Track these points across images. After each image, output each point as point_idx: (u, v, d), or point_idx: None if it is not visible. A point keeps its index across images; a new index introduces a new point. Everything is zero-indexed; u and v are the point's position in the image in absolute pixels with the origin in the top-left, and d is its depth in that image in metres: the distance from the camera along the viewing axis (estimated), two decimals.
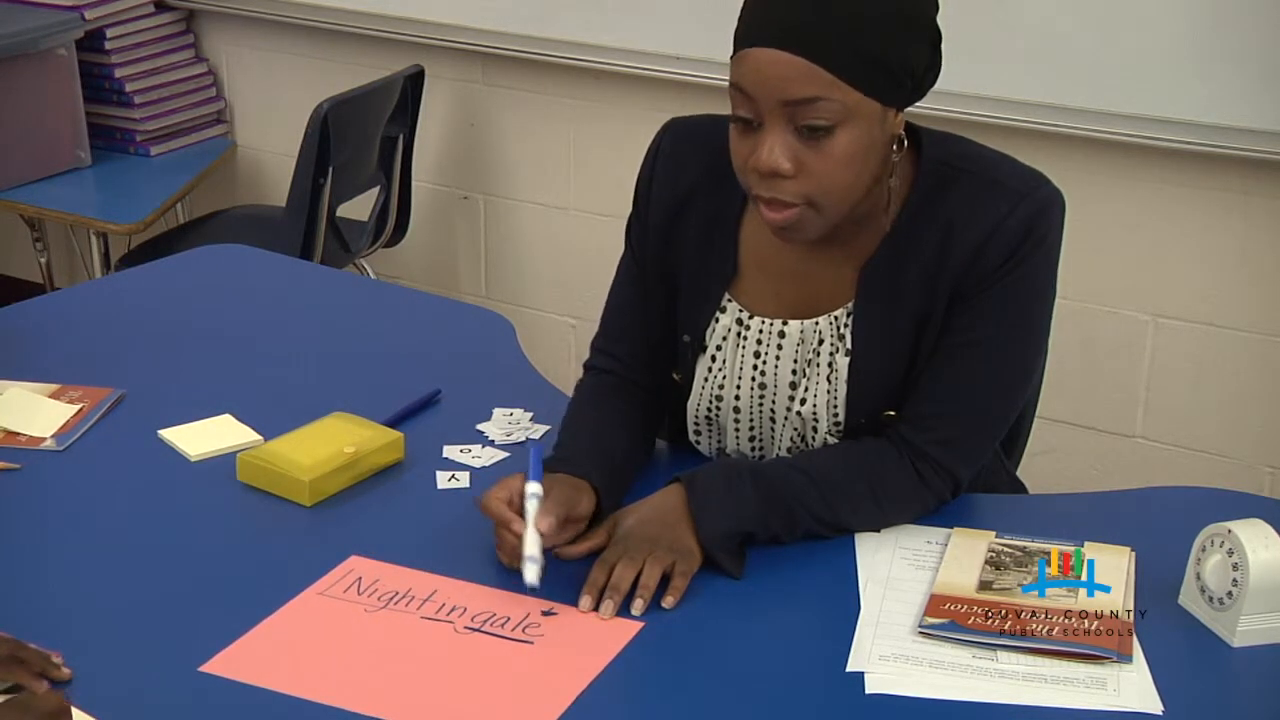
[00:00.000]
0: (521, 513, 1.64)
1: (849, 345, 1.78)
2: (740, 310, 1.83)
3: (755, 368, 1.83)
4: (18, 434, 1.93)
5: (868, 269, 1.76)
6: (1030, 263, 1.72)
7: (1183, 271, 3.06)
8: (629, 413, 1.88)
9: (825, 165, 1.62)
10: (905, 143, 1.69)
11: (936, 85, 1.71)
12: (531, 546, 1.61)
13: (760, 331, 1.82)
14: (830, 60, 1.58)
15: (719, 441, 1.90)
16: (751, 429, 1.86)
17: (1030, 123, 3.00)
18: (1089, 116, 2.97)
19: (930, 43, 1.65)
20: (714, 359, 1.85)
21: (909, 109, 1.72)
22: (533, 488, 1.65)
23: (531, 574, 1.60)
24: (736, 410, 1.85)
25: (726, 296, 1.83)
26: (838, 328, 1.78)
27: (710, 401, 1.86)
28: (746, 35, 1.62)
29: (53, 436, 1.92)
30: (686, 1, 3.24)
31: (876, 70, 1.60)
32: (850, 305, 1.78)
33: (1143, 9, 2.88)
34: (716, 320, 1.84)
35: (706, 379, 1.86)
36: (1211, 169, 2.95)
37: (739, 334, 1.83)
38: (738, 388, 1.84)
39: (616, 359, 1.93)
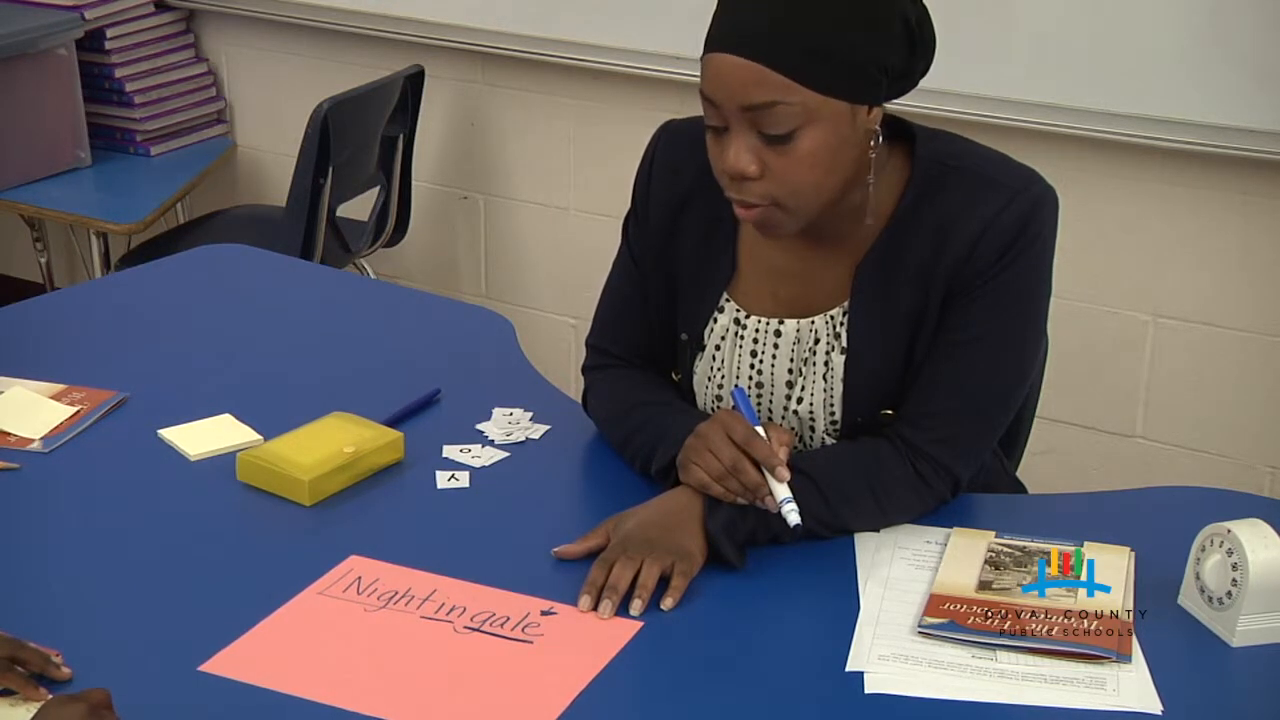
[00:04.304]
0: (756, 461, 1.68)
1: (845, 344, 1.78)
2: (738, 310, 1.83)
3: (752, 366, 1.83)
4: (9, 434, 1.93)
5: (862, 268, 1.76)
6: (1025, 259, 1.73)
7: (1183, 271, 3.07)
8: (667, 384, 1.90)
9: (790, 167, 1.63)
10: (880, 138, 1.68)
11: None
12: (783, 495, 1.66)
13: (757, 331, 1.82)
14: (784, 64, 1.58)
15: None
16: None
17: (1030, 123, 3.00)
18: (1089, 116, 2.97)
19: (904, 36, 1.64)
20: (714, 358, 1.85)
21: (906, 107, 1.72)
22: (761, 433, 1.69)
23: (795, 515, 1.65)
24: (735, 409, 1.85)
25: (724, 296, 1.84)
26: (833, 327, 1.79)
27: (712, 402, 1.87)
28: (709, 42, 1.64)
29: (40, 439, 1.92)
30: (686, 1, 3.24)
31: (835, 69, 1.60)
32: (846, 304, 1.78)
33: (1142, 9, 2.88)
34: (715, 320, 1.84)
35: (709, 378, 1.86)
36: (1211, 169, 2.95)
37: (736, 333, 1.83)
38: (736, 385, 1.84)
39: (618, 356, 1.93)
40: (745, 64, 1.59)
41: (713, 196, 1.80)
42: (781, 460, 1.67)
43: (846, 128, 1.64)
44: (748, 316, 1.83)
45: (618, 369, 1.94)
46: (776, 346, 1.82)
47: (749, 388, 1.83)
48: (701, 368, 1.87)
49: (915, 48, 1.66)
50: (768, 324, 1.82)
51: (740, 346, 1.83)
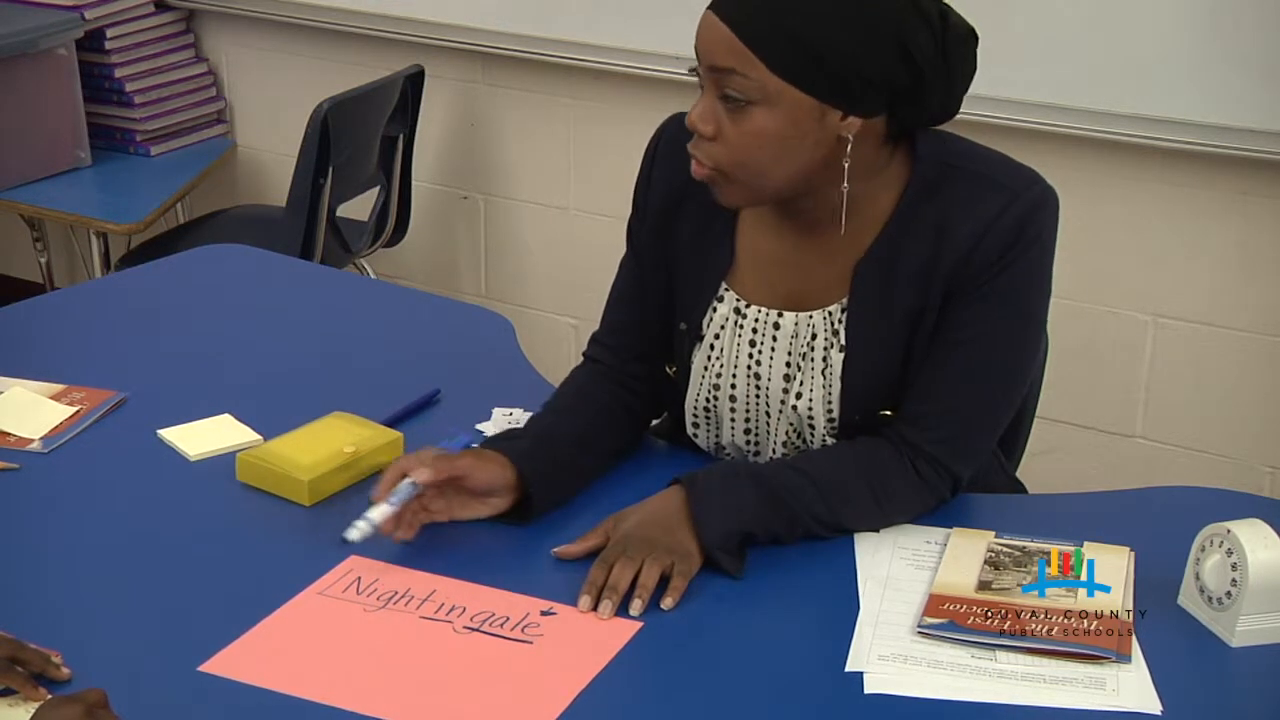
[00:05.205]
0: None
1: (843, 342, 1.78)
2: (737, 299, 1.84)
3: (751, 357, 1.83)
4: (9, 434, 1.93)
5: (861, 266, 1.77)
6: (1024, 260, 1.73)
7: (1183, 271, 3.07)
8: (601, 401, 1.90)
9: (738, 138, 1.66)
10: (850, 147, 1.67)
11: None
12: (372, 511, 1.68)
13: (756, 320, 1.82)
14: (753, 38, 1.61)
15: (716, 435, 1.91)
16: (747, 421, 1.87)
17: (1030, 123, 3.00)
18: (1089, 116, 2.97)
19: (897, 56, 1.63)
20: (712, 348, 1.86)
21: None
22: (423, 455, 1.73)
23: (355, 532, 1.67)
24: (733, 400, 1.86)
25: (724, 286, 1.84)
26: (832, 323, 1.79)
27: (708, 391, 1.87)
28: None
29: (40, 439, 1.92)
30: (686, 1, 3.24)
31: (803, 61, 1.61)
32: (844, 302, 1.78)
33: (1143, 9, 2.88)
34: (714, 309, 1.85)
35: (706, 368, 1.86)
36: (1211, 169, 2.95)
37: (736, 323, 1.84)
38: (734, 376, 1.85)
39: (609, 349, 1.95)
40: (719, 25, 1.63)
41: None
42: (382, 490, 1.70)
43: (808, 123, 1.65)
44: (748, 306, 1.83)
45: (594, 366, 1.95)
46: (775, 339, 1.82)
47: (748, 378, 1.84)
48: (699, 358, 1.87)
49: (922, 74, 1.65)
50: (767, 314, 1.82)
51: (740, 336, 1.84)
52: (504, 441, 1.79)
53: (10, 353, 2.15)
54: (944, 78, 1.67)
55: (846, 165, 1.69)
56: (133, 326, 2.29)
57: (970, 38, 1.70)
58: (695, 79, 1.69)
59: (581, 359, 1.98)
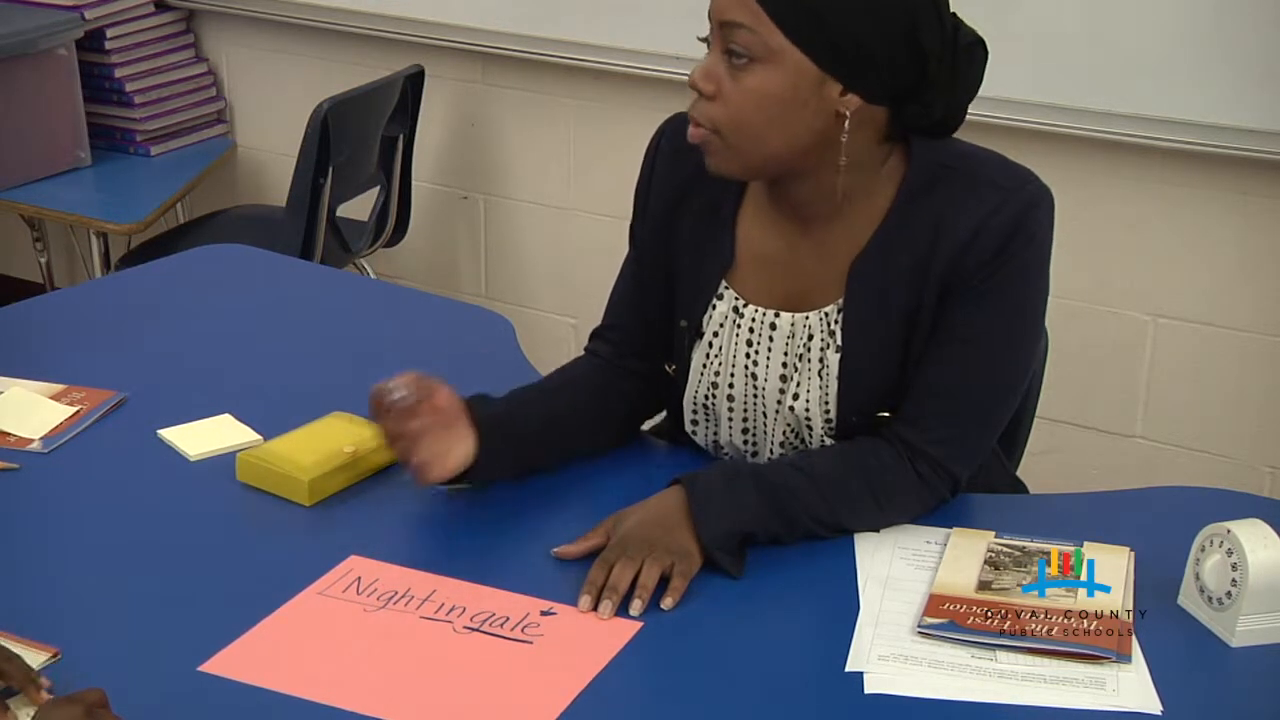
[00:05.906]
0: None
1: (839, 342, 1.78)
2: (736, 298, 1.84)
3: (748, 356, 1.84)
4: (9, 434, 1.93)
5: (857, 266, 1.77)
6: (1020, 259, 1.73)
7: (1183, 271, 3.07)
8: (591, 384, 1.92)
9: (736, 96, 1.66)
10: (847, 123, 1.68)
11: None
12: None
13: (753, 320, 1.83)
14: None
15: (714, 432, 1.91)
16: (745, 420, 1.87)
17: (1030, 123, 3.00)
18: (1089, 116, 2.97)
19: (902, 43, 1.65)
20: (711, 345, 1.86)
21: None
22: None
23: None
24: (730, 399, 1.86)
25: (724, 284, 1.84)
26: (828, 324, 1.79)
27: (707, 389, 1.87)
28: None
29: (40, 439, 1.92)
30: (686, 1, 3.24)
31: (814, 26, 1.62)
32: (840, 302, 1.78)
33: (1142, 9, 2.88)
34: (714, 307, 1.85)
35: (705, 365, 1.86)
36: (1211, 169, 2.95)
37: (734, 322, 1.84)
38: (731, 375, 1.85)
39: (609, 344, 1.96)
40: None
41: (714, 186, 1.81)
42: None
43: (807, 90, 1.65)
44: (745, 305, 1.83)
45: (593, 358, 1.96)
46: (771, 339, 1.82)
47: (745, 378, 1.84)
48: (698, 355, 1.87)
49: (927, 69, 1.66)
50: (764, 314, 1.82)
51: (737, 336, 1.84)
52: (475, 403, 1.82)
53: (10, 353, 2.15)
54: (949, 77, 1.68)
55: (844, 140, 1.69)
56: (133, 326, 2.29)
57: (979, 47, 1.72)
58: (704, 45, 1.70)
59: (583, 353, 1.98)
